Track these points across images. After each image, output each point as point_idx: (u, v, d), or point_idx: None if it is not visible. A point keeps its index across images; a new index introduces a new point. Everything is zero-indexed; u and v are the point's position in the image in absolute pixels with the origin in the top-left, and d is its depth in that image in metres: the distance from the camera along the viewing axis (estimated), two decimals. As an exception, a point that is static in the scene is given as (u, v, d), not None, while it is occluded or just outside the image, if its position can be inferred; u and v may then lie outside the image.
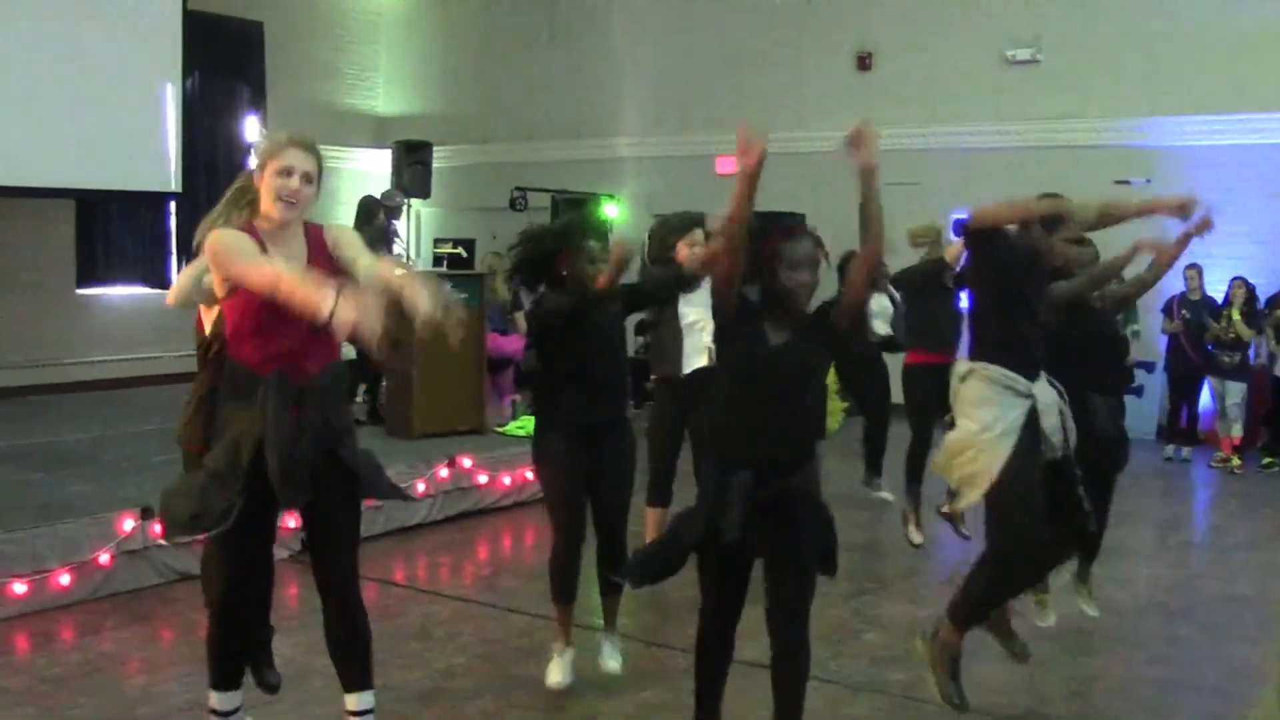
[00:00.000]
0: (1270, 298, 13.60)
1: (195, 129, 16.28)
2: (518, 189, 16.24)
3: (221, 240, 4.45)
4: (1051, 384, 5.73)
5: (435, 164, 16.86)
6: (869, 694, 6.32)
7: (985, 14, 15.93)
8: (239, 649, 4.96)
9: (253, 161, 4.73)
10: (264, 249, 4.46)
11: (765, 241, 4.68)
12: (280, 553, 7.16)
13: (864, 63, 16.66)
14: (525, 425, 11.28)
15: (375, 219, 13.89)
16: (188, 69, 15.20)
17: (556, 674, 6.27)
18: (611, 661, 6.46)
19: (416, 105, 20.34)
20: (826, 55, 16.86)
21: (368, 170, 18.88)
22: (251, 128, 18.13)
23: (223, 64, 17.64)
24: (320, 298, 4.07)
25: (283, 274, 4.22)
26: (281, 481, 4.40)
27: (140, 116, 14.37)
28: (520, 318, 12.86)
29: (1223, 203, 14.00)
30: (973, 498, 5.64)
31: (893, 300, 10.24)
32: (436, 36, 20.24)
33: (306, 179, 4.53)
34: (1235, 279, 13.35)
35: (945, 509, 9.04)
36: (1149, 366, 14.35)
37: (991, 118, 15.75)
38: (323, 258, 4.56)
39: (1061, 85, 15.32)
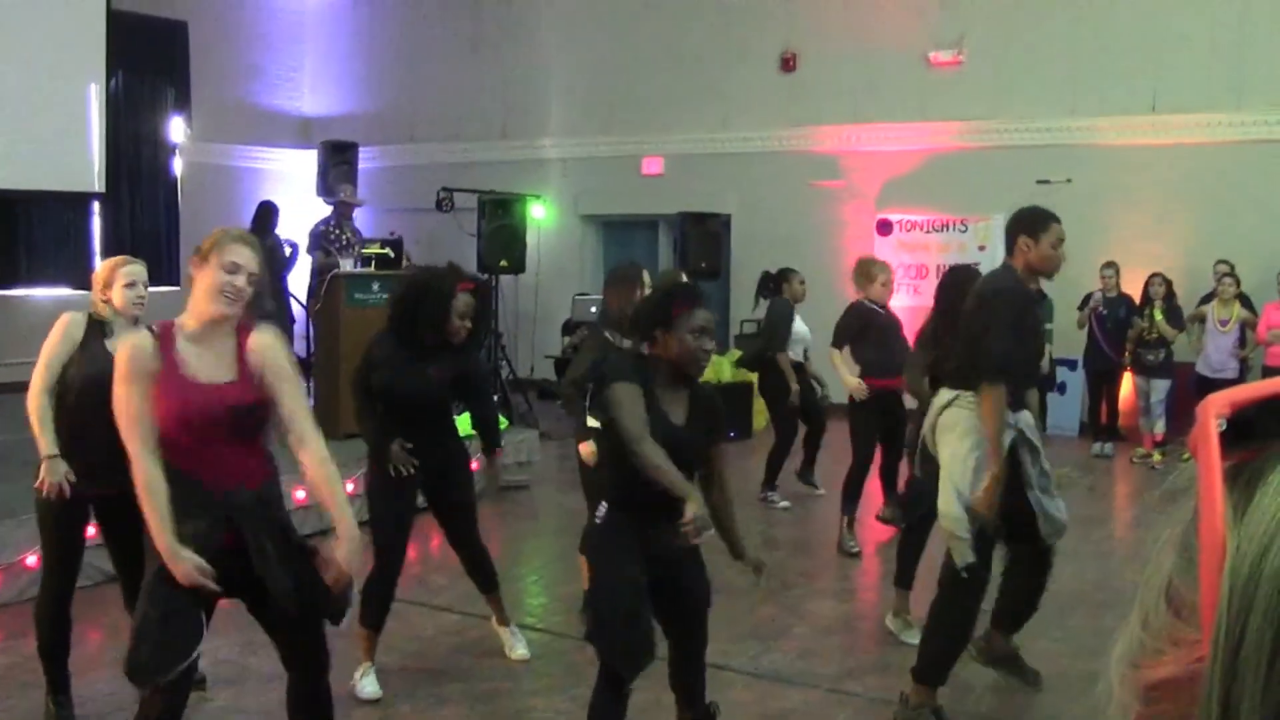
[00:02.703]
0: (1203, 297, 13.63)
1: (119, 129, 16.15)
2: (444, 189, 16.19)
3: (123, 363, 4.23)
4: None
5: (361, 165, 16.84)
6: (799, 687, 6.40)
7: (908, 15, 16.04)
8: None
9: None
10: (169, 361, 4.21)
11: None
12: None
13: (788, 64, 16.76)
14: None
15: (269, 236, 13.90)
16: (111, 69, 15.05)
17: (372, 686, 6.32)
18: (520, 649, 6.75)
19: (342, 105, 20.22)
20: (751, 56, 16.94)
21: (292, 171, 18.79)
22: (176, 128, 17.98)
23: (147, 64, 17.47)
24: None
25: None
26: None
27: (63, 116, 14.22)
28: None
29: (1141, 202, 14.53)
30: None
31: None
32: (362, 36, 20.14)
33: (250, 279, 4.27)
34: (1153, 276, 13.42)
35: (881, 515, 9.84)
36: (1071, 364, 14.51)
37: (915, 118, 15.90)
38: (245, 372, 4.31)
39: (984, 86, 15.47)
